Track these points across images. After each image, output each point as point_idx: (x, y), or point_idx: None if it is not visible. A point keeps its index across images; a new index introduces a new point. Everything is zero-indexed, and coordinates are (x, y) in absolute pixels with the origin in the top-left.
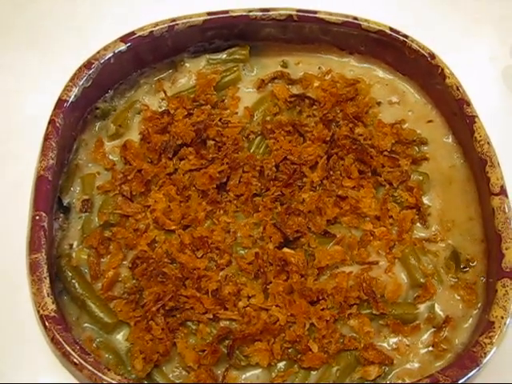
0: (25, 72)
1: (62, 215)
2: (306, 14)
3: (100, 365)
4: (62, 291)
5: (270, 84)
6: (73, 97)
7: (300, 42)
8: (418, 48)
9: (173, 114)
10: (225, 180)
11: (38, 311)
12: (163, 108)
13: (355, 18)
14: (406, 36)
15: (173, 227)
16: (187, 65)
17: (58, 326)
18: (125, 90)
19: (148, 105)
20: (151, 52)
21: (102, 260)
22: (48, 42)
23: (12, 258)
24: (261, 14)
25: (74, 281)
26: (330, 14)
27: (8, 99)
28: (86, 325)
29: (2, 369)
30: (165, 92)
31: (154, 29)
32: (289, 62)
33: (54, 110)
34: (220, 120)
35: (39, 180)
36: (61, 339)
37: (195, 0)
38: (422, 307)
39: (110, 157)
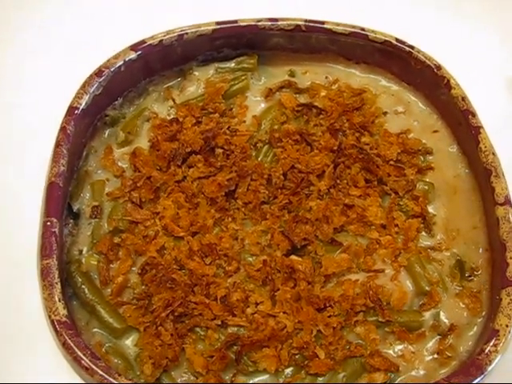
0: (36, 78)
1: (71, 221)
2: (314, 25)
3: (111, 370)
4: (72, 296)
5: (277, 93)
6: (84, 104)
7: (307, 52)
8: (424, 59)
9: (182, 122)
10: (233, 188)
11: (50, 316)
12: (172, 116)
13: (362, 29)
14: (412, 47)
15: (181, 234)
16: (196, 73)
17: (70, 331)
18: (134, 98)
19: (157, 112)
20: (160, 60)
21: (112, 266)
22: (58, 49)
23: (22, 263)
24: (269, 23)
25: (83, 286)
26: (338, 24)
27: (19, 106)
28: (95, 330)
29: (12, 373)
30: (173, 100)
31: (163, 38)
32: (296, 71)
33: (65, 117)
34: (228, 128)
35: (50, 186)
36: (72, 344)
37: (204, 9)
38: (427, 315)
39: (120, 164)
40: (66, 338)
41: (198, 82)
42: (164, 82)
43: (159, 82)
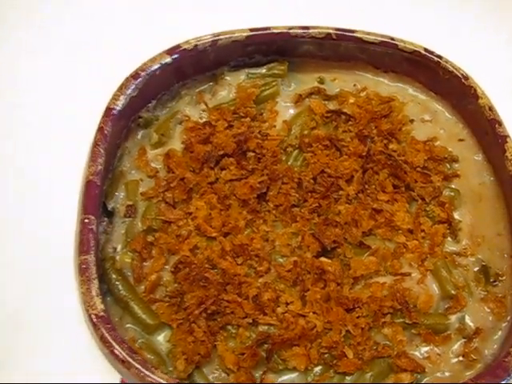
0: (75, 79)
1: (106, 219)
2: (345, 33)
3: (147, 363)
4: (106, 292)
5: (307, 99)
6: (120, 106)
7: (336, 60)
8: (452, 69)
9: (214, 126)
10: (264, 190)
11: (87, 310)
12: (204, 119)
13: (392, 38)
14: (440, 57)
15: (214, 234)
16: (227, 78)
17: (107, 325)
18: (167, 101)
19: (189, 115)
20: (193, 65)
21: (145, 264)
22: (94, 52)
23: (59, 258)
24: (301, 31)
25: (117, 283)
26: (368, 33)
27: (56, 105)
28: (128, 325)
29: (50, 365)
30: (206, 104)
31: (198, 43)
32: (325, 78)
33: (103, 117)
34: (259, 132)
35: (88, 184)
36: (109, 338)
37: (236, 15)
38: (453, 318)
39: (153, 164)
40: (104, 331)
41: (230, 87)
42: (196, 85)
43: (191, 85)
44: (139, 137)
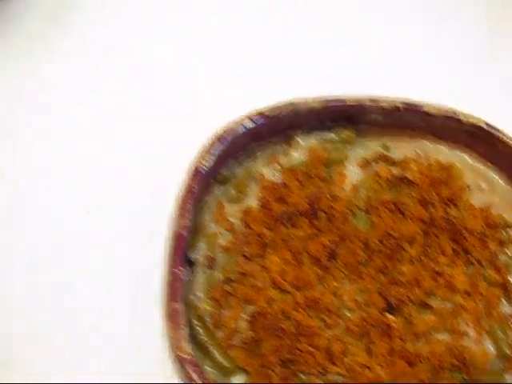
0: (161, 137)
1: (188, 268)
2: (412, 108)
3: None
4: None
5: (373, 163)
6: (207, 166)
7: (400, 128)
8: (511, 142)
9: (288, 186)
10: (334, 248)
11: (175, 351)
12: (277, 178)
13: (454, 112)
14: (499, 131)
15: (288, 288)
16: (300, 141)
17: (195, 368)
18: (243, 160)
19: (264, 174)
20: (270, 128)
21: (223, 311)
22: (177, 112)
23: (147, 302)
24: (372, 104)
25: (198, 328)
26: (434, 107)
27: (142, 161)
28: (207, 368)
29: None
30: (279, 164)
31: (278, 109)
32: (389, 144)
33: (192, 177)
34: (329, 194)
35: (178, 237)
36: (199, 379)
37: (309, 81)
38: (509, 377)
39: (230, 219)
40: (192, 374)
41: (302, 149)
42: (270, 146)
43: (266, 146)
44: (218, 192)
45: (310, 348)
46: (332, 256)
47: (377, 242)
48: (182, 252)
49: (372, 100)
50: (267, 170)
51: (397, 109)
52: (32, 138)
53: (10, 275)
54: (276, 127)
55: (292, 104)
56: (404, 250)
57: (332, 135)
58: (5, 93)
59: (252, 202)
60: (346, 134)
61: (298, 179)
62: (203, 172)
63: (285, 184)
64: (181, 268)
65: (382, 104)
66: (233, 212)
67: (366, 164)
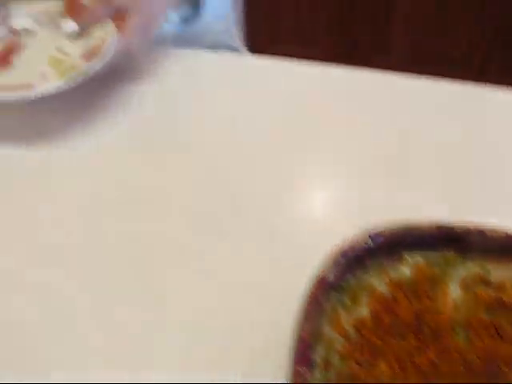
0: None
1: (306, 369)
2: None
3: None
4: None
5: (472, 285)
6: (332, 277)
7: (497, 251)
8: None
9: (397, 299)
10: (436, 362)
11: None
12: (386, 291)
13: None
14: None
15: None
16: (407, 258)
17: None
18: (355, 271)
19: (374, 286)
20: (385, 245)
21: None
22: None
23: None
24: (478, 235)
25: None
26: None
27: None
28: None
29: None
30: (389, 278)
31: (395, 230)
32: (487, 267)
33: (318, 287)
34: (433, 310)
35: (303, 342)
36: None
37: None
38: None
39: (345, 326)
40: None
41: (409, 266)
42: (382, 261)
43: (377, 260)
44: (334, 299)
45: None
46: (435, 367)
47: (476, 360)
48: (307, 353)
49: (479, 231)
50: (377, 282)
51: (501, 237)
52: None
53: None
54: (388, 244)
55: (407, 226)
56: (502, 371)
57: (437, 255)
58: None
59: (364, 311)
60: (449, 255)
61: (405, 294)
62: (327, 283)
63: (394, 297)
64: (305, 369)
65: (488, 233)
66: (347, 319)
67: (466, 285)
